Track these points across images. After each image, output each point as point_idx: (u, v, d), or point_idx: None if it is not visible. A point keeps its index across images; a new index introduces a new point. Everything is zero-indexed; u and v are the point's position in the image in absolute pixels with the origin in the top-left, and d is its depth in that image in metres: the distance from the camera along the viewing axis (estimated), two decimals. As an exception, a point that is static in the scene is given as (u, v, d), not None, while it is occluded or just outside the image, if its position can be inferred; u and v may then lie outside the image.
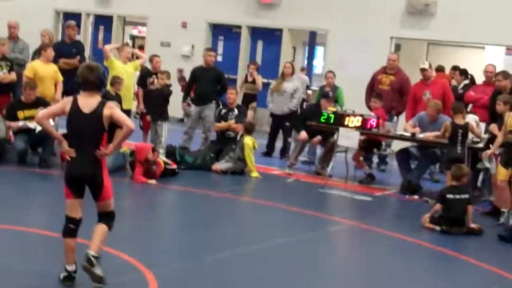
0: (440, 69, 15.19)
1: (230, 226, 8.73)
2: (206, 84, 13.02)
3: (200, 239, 7.90)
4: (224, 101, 13.14)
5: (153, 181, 10.29)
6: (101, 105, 5.74)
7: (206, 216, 9.12)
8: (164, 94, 12.11)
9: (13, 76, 11.87)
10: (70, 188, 5.72)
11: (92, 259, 5.63)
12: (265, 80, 15.95)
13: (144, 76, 12.83)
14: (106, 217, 5.83)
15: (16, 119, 10.96)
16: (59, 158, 10.94)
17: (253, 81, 14.36)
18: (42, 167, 10.85)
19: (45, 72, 11.61)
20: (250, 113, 13.60)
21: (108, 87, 11.50)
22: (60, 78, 11.78)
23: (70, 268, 5.72)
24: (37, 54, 12.27)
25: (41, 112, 5.74)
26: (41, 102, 10.93)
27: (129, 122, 5.78)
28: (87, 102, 5.72)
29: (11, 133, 11.03)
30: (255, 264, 7.11)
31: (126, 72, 12.15)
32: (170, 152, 11.79)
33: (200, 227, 8.49)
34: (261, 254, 7.48)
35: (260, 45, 18.46)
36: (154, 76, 12.61)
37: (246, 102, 14.67)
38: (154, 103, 12.04)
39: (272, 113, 14.17)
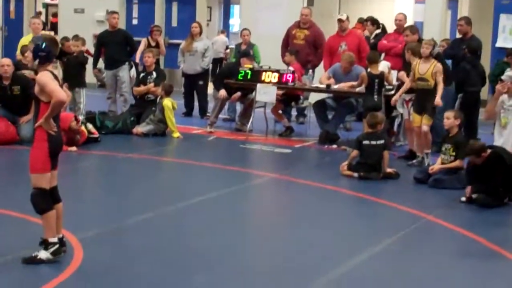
0: (360, 21, 15.31)
1: (153, 187, 8.82)
2: (115, 47, 13.09)
3: (123, 202, 7.98)
4: (135, 61, 13.23)
5: (73, 148, 10.30)
6: None
7: (129, 179, 9.20)
8: (80, 61, 12.05)
9: None
10: (52, 161, 5.68)
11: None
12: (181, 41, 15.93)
13: (58, 56, 12.68)
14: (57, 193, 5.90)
15: None
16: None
17: (156, 45, 14.23)
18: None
19: None
20: None
21: (19, 56, 11.42)
22: None
23: (59, 236, 5.78)
24: None
25: (64, 93, 5.60)
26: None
27: None
28: (56, 74, 5.75)
29: None
30: (178, 223, 7.24)
31: None
32: (90, 118, 11.77)
33: (123, 190, 8.57)
34: (184, 212, 7.62)
35: (175, 6, 18.38)
36: (68, 56, 12.47)
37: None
38: (71, 70, 11.95)
39: (184, 73, 14.23)
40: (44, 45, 5.71)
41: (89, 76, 13.05)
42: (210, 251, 6.32)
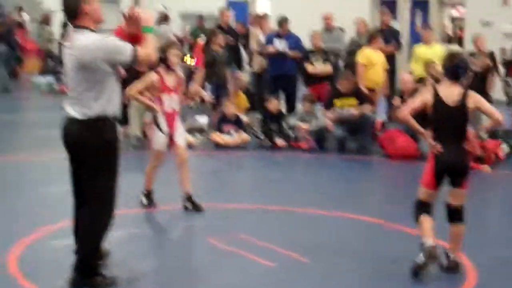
0: None
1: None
2: None
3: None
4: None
5: (486, 168, 9.85)
6: (464, 96, 5.66)
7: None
8: (483, 76, 11.64)
9: (327, 68, 12.27)
10: (437, 179, 5.71)
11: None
12: None
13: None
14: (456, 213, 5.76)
15: (332, 107, 11.21)
16: (378, 144, 10.97)
17: None
18: (361, 153, 10.97)
19: (376, 59, 11.86)
20: None
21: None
22: (386, 66, 12.04)
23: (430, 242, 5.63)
24: (368, 41, 12.27)
25: (404, 109, 5.83)
26: (358, 92, 11.19)
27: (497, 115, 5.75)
28: (449, 92, 5.68)
29: (329, 121, 11.27)
30: None
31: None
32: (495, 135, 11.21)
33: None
34: None
35: None
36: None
37: None
38: (474, 86, 11.56)
39: None
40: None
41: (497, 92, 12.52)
42: None
